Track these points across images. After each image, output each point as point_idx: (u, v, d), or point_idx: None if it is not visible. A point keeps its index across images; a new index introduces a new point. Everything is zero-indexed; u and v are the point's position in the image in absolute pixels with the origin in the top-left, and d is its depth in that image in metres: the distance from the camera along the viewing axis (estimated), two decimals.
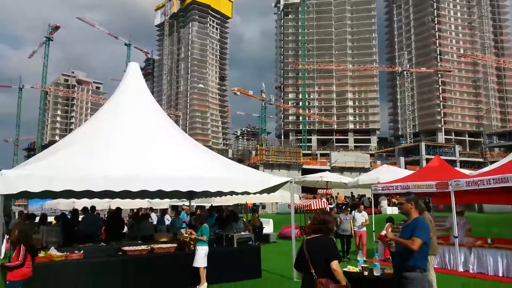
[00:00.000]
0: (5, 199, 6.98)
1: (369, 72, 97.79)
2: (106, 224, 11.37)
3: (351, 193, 32.31)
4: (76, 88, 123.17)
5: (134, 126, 8.91)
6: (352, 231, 12.61)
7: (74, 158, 7.57)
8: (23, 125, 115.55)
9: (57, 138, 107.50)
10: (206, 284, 8.45)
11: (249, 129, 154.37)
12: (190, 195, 13.34)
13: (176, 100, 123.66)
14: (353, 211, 13.10)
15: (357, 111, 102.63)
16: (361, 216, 12.75)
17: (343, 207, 15.59)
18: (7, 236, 10.26)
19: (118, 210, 12.20)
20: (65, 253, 7.85)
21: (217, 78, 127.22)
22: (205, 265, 8.46)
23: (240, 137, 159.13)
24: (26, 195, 8.83)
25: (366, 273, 5.17)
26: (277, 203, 32.69)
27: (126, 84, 10.21)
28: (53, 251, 7.78)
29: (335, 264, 4.01)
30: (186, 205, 19.49)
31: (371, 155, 78.75)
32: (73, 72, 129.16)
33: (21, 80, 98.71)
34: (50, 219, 15.57)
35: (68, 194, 9.72)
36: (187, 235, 9.29)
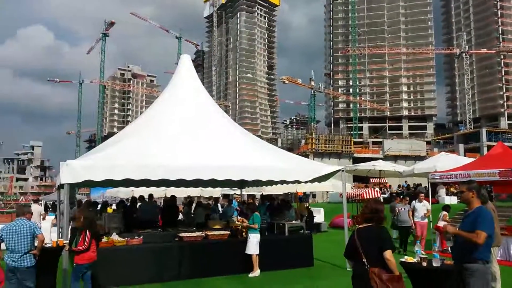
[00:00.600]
0: (70, 188, 7.47)
1: (424, 55, 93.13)
2: (162, 211, 11.86)
3: (405, 181, 31.15)
4: (131, 81, 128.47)
5: (187, 117, 9.18)
6: (412, 223, 11.63)
7: (132, 149, 7.94)
8: (84, 118, 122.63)
9: (115, 130, 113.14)
10: (258, 271, 8.59)
11: (298, 118, 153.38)
12: (242, 184, 13.56)
13: (226, 90, 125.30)
14: (413, 201, 12.09)
15: (411, 97, 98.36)
16: (422, 206, 11.62)
17: (400, 196, 14.78)
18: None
19: (173, 198, 12.68)
20: (126, 238, 8.32)
21: (266, 67, 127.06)
22: (257, 252, 8.60)
23: (289, 126, 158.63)
24: (89, 184, 9.40)
25: (424, 264, 4.98)
26: (327, 192, 32.33)
27: (178, 76, 10.50)
28: (115, 237, 8.26)
29: (388, 254, 3.91)
30: (237, 194, 19.86)
31: (427, 142, 75.40)
32: (128, 66, 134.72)
33: (81, 75, 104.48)
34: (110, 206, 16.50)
35: (127, 182, 10.24)
36: (239, 223, 9.48)
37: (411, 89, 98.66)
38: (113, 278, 7.67)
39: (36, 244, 5.79)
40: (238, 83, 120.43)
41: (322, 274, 8.79)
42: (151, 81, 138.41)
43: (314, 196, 39.33)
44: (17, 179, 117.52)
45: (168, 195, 16.79)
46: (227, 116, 11.42)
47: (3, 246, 5.65)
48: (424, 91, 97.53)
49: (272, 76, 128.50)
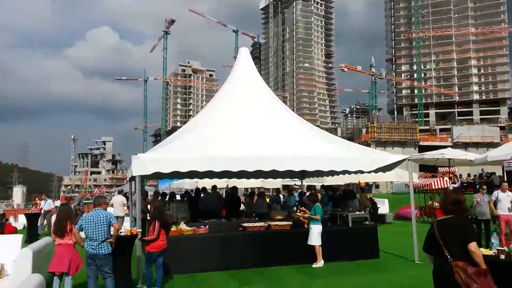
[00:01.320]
0: (140, 180, 7.90)
1: (496, 34, 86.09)
2: (225, 202, 12.17)
3: (482, 170, 28.75)
4: (192, 77, 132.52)
5: (247, 109, 9.32)
6: (492, 215, 10.33)
7: (196, 142, 8.23)
8: (149, 114, 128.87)
9: (178, 124, 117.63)
10: (322, 261, 8.55)
11: (358, 106, 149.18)
12: (302, 174, 13.51)
13: (283, 81, 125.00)
14: (495, 191, 10.49)
15: (482, 80, 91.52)
16: (506, 197, 10.04)
17: (477, 186, 13.32)
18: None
19: (235, 189, 12.95)
20: (193, 227, 8.67)
21: (323, 56, 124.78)
22: (319, 243, 8.55)
23: (349, 115, 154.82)
24: (157, 176, 9.89)
25: (502, 256, 4.65)
26: (391, 182, 31.22)
27: (237, 69, 10.66)
28: (183, 226, 8.65)
29: (473, 246, 3.69)
30: (297, 185, 19.84)
31: (501, 127, 70.01)
32: (188, 62, 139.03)
33: (145, 73, 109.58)
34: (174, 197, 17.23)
35: (192, 174, 10.63)
36: (300, 213, 9.47)
37: (482, 71, 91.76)
38: (181, 265, 8.04)
39: (112, 232, 6.20)
40: (295, 73, 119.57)
41: (389, 267, 8.54)
42: (210, 75, 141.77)
43: (377, 186, 38.17)
44: (91, 173, 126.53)
45: (230, 186, 17.23)
46: (286, 107, 11.41)
47: (82, 234, 6.12)
48: (496, 73, 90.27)
49: (330, 65, 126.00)
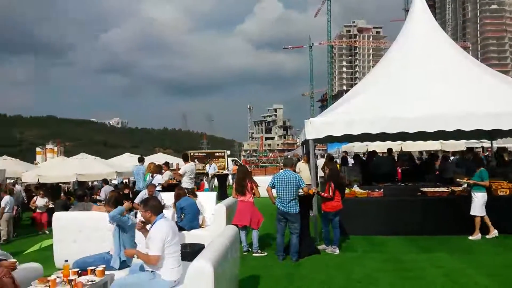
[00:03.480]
0: (306, 145, 8.11)
1: None
2: (401, 165, 11.57)
3: None
4: (357, 37, 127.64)
5: (426, 63, 8.46)
6: None
7: (368, 103, 7.96)
8: (315, 79, 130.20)
9: (344, 87, 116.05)
10: (479, 235, 7.51)
11: None
12: (492, 134, 11.77)
13: (463, 30, 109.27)
14: None
15: None
16: None
17: None
18: None
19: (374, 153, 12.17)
20: (367, 190, 8.56)
21: None
22: (483, 213, 7.50)
23: None
24: (328, 140, 10.01)
25: None
26: None
27: (412, 20, 9.73)
28: (356, 188, 8.63)
29: None
30: (483, 147, 17.51)
31: None
32: (353, 22, 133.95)
33: (310, 39, 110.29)
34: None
35: (362, 137, 10.39)
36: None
37: None
38: (357, 227, 8.08)
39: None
40: (479, 18, 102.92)
41: None
42: (377, 32, 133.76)
43: None
44: (266, 138, 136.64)
45: (404, 149, 16.29)
46: (471, 57, 9.98)
47: (274, 192, 6.67)
48: None
49: None
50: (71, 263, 4.29)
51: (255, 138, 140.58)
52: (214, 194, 9.43)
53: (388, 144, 12.47)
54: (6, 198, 10.51)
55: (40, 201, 11.52)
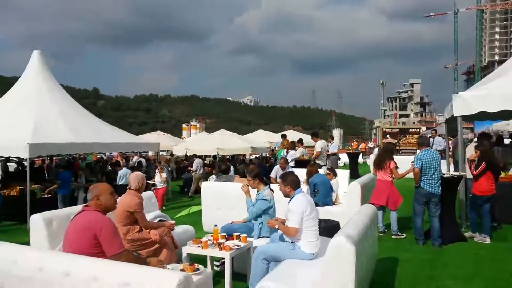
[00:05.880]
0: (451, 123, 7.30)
1: None
2: None
3: None
4: None
5: None
6: None
7: None
8: (460, 50, 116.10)
9: (496, 57, 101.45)
10: None
11: None
12: None
13: None
14: None
15: None
16: None
17: None
18: None
19: None
20: None
21: None
22: None
23: None
24: (479, 117, 8.89)
25: None
26: None
27: None
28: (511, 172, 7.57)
29: None
30: None
31: None
32: None
33: (455, 4, 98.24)
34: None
35: None
36: None
37: None
38: (510, 216, 7.13)
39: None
40: None
41: None
42: None
43: None
44: (400, 116, 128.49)
45: None
46: None
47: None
48: None
49: None
50: (218, 228, 4.73)
51: (388, 115, 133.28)
52: (347, 172, 9.35)
53: None
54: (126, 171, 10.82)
55: (157, 177, 10.47)
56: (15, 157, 11.07)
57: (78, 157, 15.35)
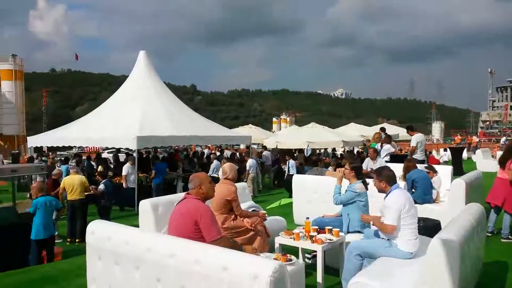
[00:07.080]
0: None
1: None
2: None
3: None
4: None
5: None
6: None
7: None
8: None
9: None
10: None
11: None
12: None
13: None
14: None
15: None
16: None
17: None
18: None
19: None
20: None
21: None
22: None
23: None
24: None
25: None
26: None
27: None
28: None
29: None
30: None
31: None
32: None
33: None
34: None
35: None
36: None
37: None
38: None
39: None
40: None
41: None
42: None
43: None
44: (511, 107, 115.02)
45: None
46: None
47: None
48: None
49: None
50: (310, 221, 4.73)
51: (497, 107, 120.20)
52: (449, 169, 8.70)
53: None
54: (250, 161, 12.38)
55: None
56: (125, 149, 12.28)
57: (181, 148, 16.52)
